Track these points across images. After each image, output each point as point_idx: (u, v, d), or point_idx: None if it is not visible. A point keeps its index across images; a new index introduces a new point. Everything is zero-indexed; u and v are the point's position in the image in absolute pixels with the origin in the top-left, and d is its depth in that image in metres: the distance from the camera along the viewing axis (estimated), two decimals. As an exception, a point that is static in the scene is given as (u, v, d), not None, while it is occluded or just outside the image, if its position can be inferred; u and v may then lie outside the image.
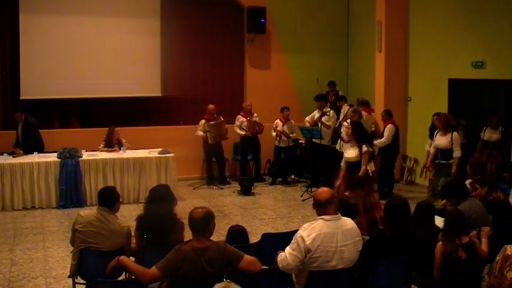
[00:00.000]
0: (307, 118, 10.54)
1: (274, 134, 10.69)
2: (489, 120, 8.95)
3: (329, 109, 10.36)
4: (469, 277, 4.41)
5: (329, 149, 10.01)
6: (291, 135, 10.76)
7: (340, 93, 11.79)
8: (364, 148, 7.21)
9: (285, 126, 10.70)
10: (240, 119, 10.86)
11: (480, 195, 5.82)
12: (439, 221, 5.43)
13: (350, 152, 7.38)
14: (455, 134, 8.01)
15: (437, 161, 8.16)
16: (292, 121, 10.80)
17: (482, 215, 5.38)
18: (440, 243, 4.47)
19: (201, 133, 10.42)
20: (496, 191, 5.99)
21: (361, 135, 7.37)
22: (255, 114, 10.86)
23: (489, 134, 8.98)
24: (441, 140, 8.10)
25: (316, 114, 10.33)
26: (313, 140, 10.05)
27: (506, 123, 9.06)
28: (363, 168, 7.18)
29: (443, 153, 8.05)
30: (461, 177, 6.85)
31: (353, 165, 7.30)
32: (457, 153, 7.96)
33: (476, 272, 4.60)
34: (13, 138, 9.76)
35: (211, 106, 10.49)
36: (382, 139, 9.47)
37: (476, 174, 6.35)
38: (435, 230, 4.96)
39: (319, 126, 9.87)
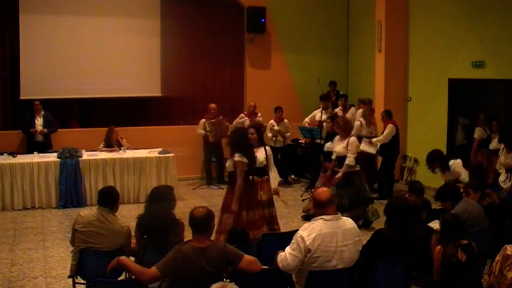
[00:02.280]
0: (307, 119, 10.53)
1: (270, 134, 10.65)
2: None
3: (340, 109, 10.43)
4: (469, 278, 4.41)
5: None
6: (286, 134, 10.75)
7: (341, 92, 11.82)
8: (236, 158, 6.09)
9: (279, 126, 10.69)
10: (243, 118, 10.85)
11: (474, 200, 5.79)
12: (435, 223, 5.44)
13: (228, 162, 6.38)
14: (352, 138, 7.46)
15: (335, 169, 7.57)
16: (286, 120, 10.78)
17: (479, 216, 5.36)
18: (438, 246, 4.46)
19: (201, 131, 10.41)
20: (490, 194, 5.98)
21: (235, 143, 6.27)
22: (259, 114, 10.85)
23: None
24: (338, 146, 7.53)
25: (317, 114, 10.28)
26: (314, 140, 10.06)
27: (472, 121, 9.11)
28: (238, 181, 6.09)
29: (340, 160, 7.49)
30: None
31: (230, 176, 6.44)
32: (348, 159, 7.30)
33: (476, 272, 4.60)
34: (16, 139, 9.82)
35: (212, 105, 10.51)
36: (380, 137, 9.47)
37: (475, 177, 6.33)
38: (431, 230, 4.97)
39: (324, 125, 9.89)
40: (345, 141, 7.43)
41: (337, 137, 7.71)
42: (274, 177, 6.49)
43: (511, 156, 7.51)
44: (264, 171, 6.42)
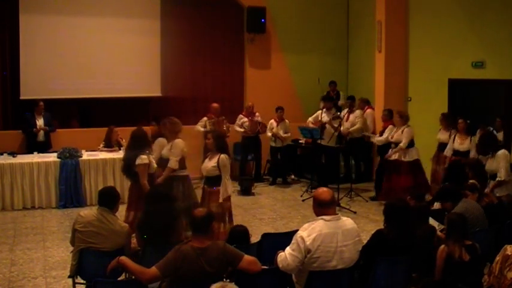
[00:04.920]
0: (310, 119, 10.43)
1: (269, 134, 10.68)
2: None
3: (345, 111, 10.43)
4: (471, 278, 4.41)
5: (329, 149, 10.01)
6: (285, 135, 10.73)
7: (342, 93, 11.82)
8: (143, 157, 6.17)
9: (279, 126, 10.69)
10: (242, 118, 10.84)
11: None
12: (433, 223, 5.44)
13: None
14: (177, 141, 6.84)
15: None
16: (287, 121, 10.76)
17: (479, 216, 5.36)
18: (443, 246, 4.45)
19: (200, 128, 10.35)
20: (488, 195, 5.97)
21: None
22: (257, 114, 10.84)
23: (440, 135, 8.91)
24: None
25: (320, 114, 10.22)
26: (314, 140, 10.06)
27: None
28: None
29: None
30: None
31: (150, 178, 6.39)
32: (171, 162, 6.72)
33: (478, 273, 4.60)
34: (16, 139, 9.83)
35: (214, 105, 10.52)
36: (382, 138, 9.45)
37: (477, 176, 6.31)
38: (432, 230, 4.96)
39: (326, 127, 9.88)
40: (169, 145, 6.82)
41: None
42: (224, 189, 6.12)
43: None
44: (213, 181, 6.15)
